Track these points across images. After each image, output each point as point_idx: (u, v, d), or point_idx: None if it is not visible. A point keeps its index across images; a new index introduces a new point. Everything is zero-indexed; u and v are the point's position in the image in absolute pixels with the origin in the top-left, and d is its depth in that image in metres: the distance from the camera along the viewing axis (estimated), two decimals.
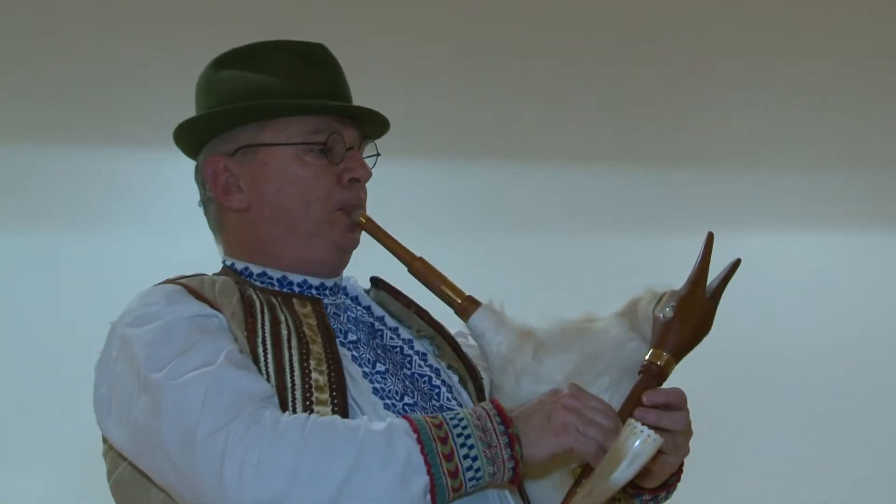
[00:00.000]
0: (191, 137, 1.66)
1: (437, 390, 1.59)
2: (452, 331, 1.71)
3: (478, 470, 1.33)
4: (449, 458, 1.32)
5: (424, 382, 1.60)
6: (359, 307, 1.68)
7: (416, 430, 1.33)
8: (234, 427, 1.30)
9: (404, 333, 1.67)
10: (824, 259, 3.86)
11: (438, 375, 1.62)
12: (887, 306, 3.85)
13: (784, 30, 3.93)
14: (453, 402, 1.59)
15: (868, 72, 3.94)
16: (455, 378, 1.64)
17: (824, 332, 3.75)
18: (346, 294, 1.69)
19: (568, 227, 3.64)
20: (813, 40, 3.94)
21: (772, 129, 3.88)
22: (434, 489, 1.31)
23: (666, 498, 1.58)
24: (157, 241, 3.21)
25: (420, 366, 1.62)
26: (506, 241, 3.56)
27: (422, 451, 1.31)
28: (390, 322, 1.68)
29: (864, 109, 3.92)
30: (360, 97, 1.69)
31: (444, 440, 1.33)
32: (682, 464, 1.54)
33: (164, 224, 3.24)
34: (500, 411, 1.36)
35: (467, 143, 3.58)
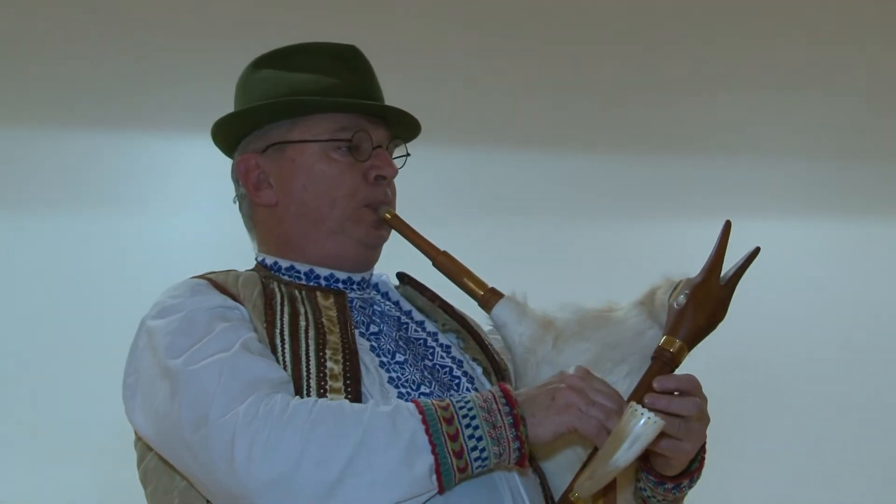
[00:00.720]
0: (226, 135, 1.71)
1: (457, 381, 1.61)
2: (485, 327, 1.73)
3: (483, 450, 1.35)
4: (454, 438, 1.34)
5: (445, 374, 1.62)
6: (388, 302, 1.71)
7: (421, 412, 1.35)
8: (243, 410, 1.33)
9: (430, 327, 1.70)
10: (829, 249, 3.84)
11: (460, 367, 1.64)
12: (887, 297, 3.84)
13: (795, 15, 3.93)
14: (471, 393, 1.61)
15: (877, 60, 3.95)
16: (479, 370, 1.65)
17: (822, 323, 3.75)
18: (378, 290, 1.72)
19: (577, 214, 3.66)
20: (825, 25, 3.95)
21: (781, 118, 3.88)
22: (439, 469, 1.33)
23: (690, 486, 1.58)
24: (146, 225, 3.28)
25: (442, 357, 1.64)
26: (515, 229, 3.58)
27: (426, 431, 1.33)
28: (417, 316, 1.71)
29: (869, 100, 3.92)
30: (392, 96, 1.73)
31: (449, 421, 1.35)
32: (702, 451, 1.54)
33: (147, 207, 3.30)
34: (506, 393, 1.38)
35: (475, 132, 3.61)
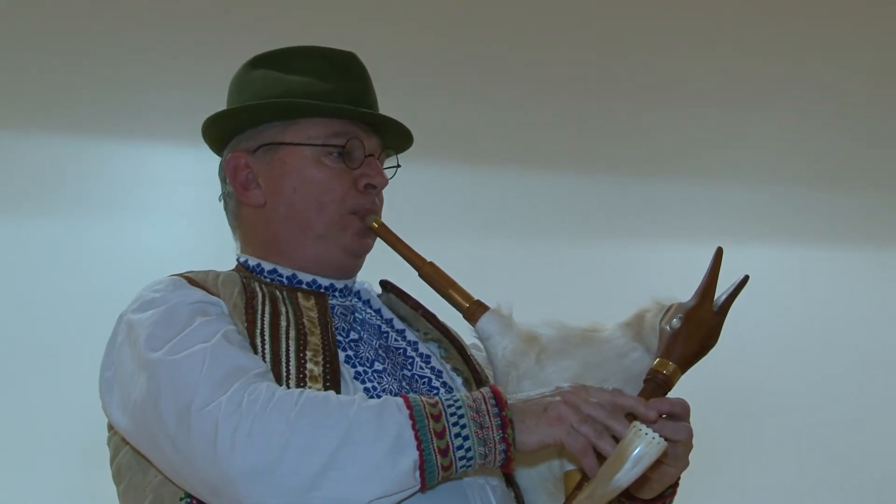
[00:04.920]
0: (217, 132, 1.70)
1: (435, 391, 1.60)
2: (468, 341, 1.72)
3: (468, 450, 1.33)
4: (440, 435, 1.32)
5: (423, 384, 1.61)
6: (369, 310, 1.70)
7: (409, 406, 1.34)
8: (227, 398, 1.32)
9: (410, 336, 1.69)
10: (807, 274, 3.88)
11: (439, 377, 1.63)
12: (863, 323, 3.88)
13: (774, 38, 4.00)
14: None
15: (860, 84, 4.00)
16: (459, 380, 1.65)
17: (799, 349, 3.78)
18: (359, 298, 1.71)
19: (559, 234, 3.67)
20: (799, 47, 4.02)
21: (763, 141, 3.93)
22: (423, 465, 1.31)
23: None
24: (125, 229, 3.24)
25: (421, 368, 1.63)
26: (497, 246, 3.58)
27: (413, 426, 1.32)
28: (398, 325, 1.70)
29: (849, 126, 3.98)
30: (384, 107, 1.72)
31: (436, 418, 1.33)
32: (678, 477, 1.53)
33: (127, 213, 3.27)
34: (497, 395, 1.37)
35: (460, 147, 3.61)
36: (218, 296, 1.51)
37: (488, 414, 1.35)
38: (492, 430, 1.34)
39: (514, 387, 1.56)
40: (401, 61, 3.48)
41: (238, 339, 1.45)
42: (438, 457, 1.32)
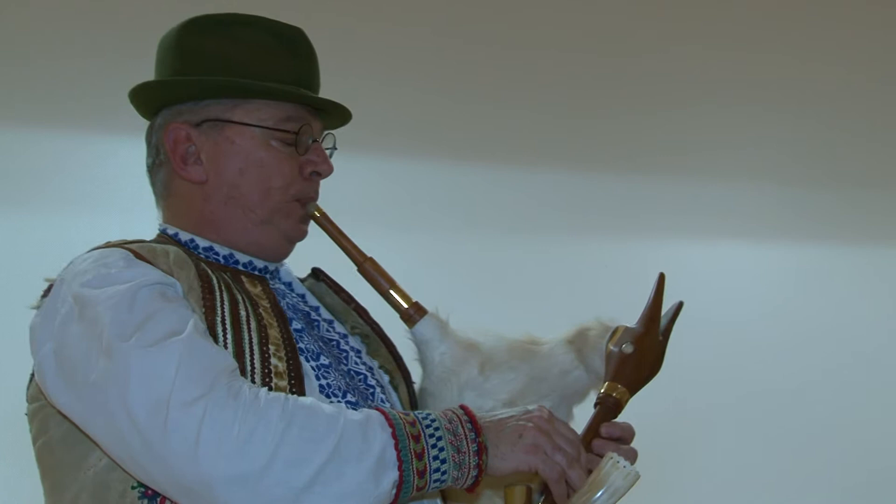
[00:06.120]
0: (153, 98, 1.60)
1: (371, 390, 1.59)
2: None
3: (444, 472, 1.34)
4: (419, 456, 1.32)
5: (360, 381, 1.59)
6: (294, 294, 1.66)
7: (391, 426, 1.33)
8: (212, 398, 1.27)
9: (339, 328, 1.66)
10: (792, 273, 3.89)
11: (372, 374, 1.62)
12: (833, 319, 3.91)
13: (772, 35, 3.99)
14: (386, 406, 1.58)
15: (844, 82, 4.04)
16: (385, 378, 1.64)
17: (784, 348, 3.78)
18: (280, 279, 1.67)
19: (554, 231, 3.62)
20: (797, 46, 4.02)
21: (760, 139, 3.93)
22: (401, 485, 1.31)
23: None
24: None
25: (356, 363, 1.62)
26: (461, 242, 3.48)
27: (396, 446, 1.32)
28: (325, 314, 1.67)
29: (835, 125, 4.01)
30: (331, 88, 1.66)
31: (416, 438, 1.33)
32: None
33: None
34: (472, 419, 1.37)
35: (430, 142, 3.50)
36: (172, 275, 1.44)
37: (465, 438, 1.35)
38: (468, 455, 1.35)
39: (455, 395, 1.58)
40: (398, 56, 3.39)
41: (203, 328, 1.39)
42: (416, 478, 1.32)
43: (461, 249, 3.39)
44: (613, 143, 3.76)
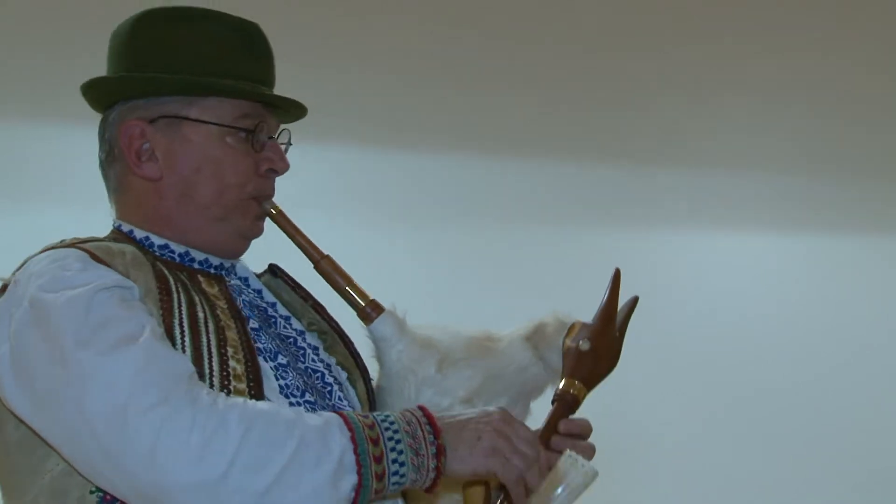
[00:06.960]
0: (106, 94, 1.58)
1: (329, 388, 1.59)
2: None
3: (402, 475, 1.34)
4: (378, 460, 1.33)
5: (318, 379, 1.59)
6: (250, 290, 1.66)
7: (350, 429, 1.33)
8: (170, 404, 1.27)
9: (296, 324, 1.66)
10: (814, 262, 3.90)
11: (330, 371, 1.62)
12: (840, 310, 3.92)
13: (775, 27, 3.99)
14: (344, 403, 1.58)
15: (848, 72, 4.03)
16: (343, 375, 1.64)
17: (771, 334, 3.76)
18: (237, 275, 1.66)
19: (559, 222, 3.61)
20: (801, 38, 4.01)
21: (754, 130, 3.93)
22: (360, 489, 1.32)
23: None
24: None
25: (314, 360, 1.61)
26: (465, 234, 3.43)
27: (355, 451, 1.32)
28: (282, 310, 1.66)
29: (842, 112, 4.01)
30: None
31: (375, 442, 1.33)
32: None
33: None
34: (431, 420, 1.38)
35: (434, 134, 3.47)
36: (129, 277, 1.42)
37: (424, 441, 1.36)
38: (427, 457, 1.36)
39: (413, 393, 1.59)
40: (400, 54, 3.34)
41: (160, 332, 1.39)
42: (375, 481, 1.33)
43: (465, 242, 3.37)
44: (617, 134, 3.78)
